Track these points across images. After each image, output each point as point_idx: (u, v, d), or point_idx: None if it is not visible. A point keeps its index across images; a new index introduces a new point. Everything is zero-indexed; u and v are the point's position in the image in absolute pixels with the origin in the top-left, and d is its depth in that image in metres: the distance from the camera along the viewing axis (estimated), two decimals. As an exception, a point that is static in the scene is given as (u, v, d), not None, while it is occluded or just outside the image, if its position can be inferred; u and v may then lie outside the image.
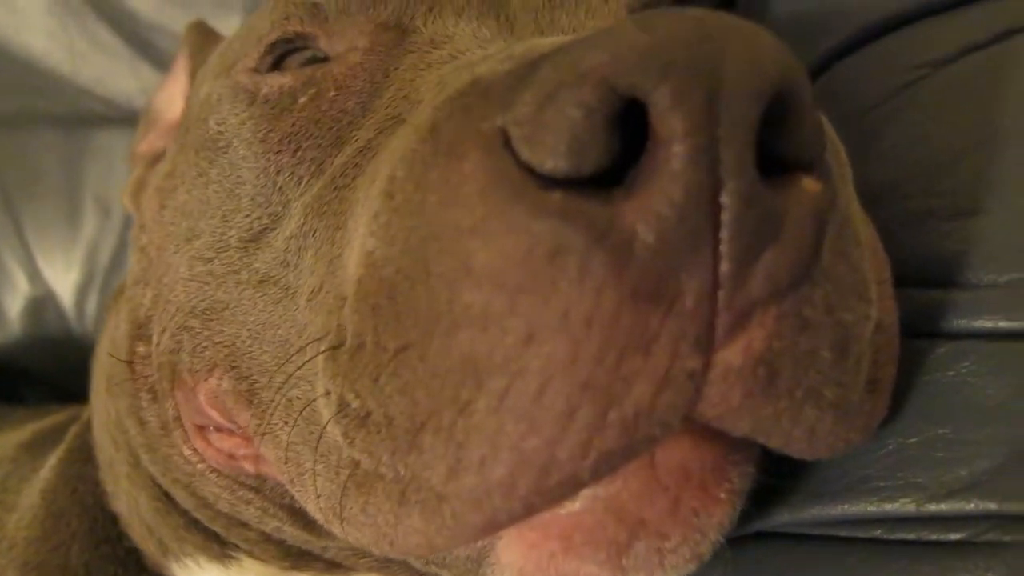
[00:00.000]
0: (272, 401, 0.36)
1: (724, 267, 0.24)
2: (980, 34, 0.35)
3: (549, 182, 0.25)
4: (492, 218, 0.25)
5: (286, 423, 0.35)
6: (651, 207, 0.23)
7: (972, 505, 0.29)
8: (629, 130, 0.24)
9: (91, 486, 0.53)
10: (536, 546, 0.29)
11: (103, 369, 0.51)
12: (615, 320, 0.24)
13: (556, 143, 0.24)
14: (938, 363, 0.32)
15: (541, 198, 0.24)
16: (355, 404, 0.30)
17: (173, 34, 0.68)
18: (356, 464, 0.30)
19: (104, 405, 0.50)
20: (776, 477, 0.33)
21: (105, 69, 0.74)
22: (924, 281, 0.33)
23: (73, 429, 0.57)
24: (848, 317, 0.27)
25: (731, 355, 0.25)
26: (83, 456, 0.54)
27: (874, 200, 0.35)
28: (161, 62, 0.70)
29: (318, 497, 0.33)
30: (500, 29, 0.40)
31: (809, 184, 0.26)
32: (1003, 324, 0.30)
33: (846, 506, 0.32)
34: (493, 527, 0.27)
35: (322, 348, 0.32)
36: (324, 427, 0.31)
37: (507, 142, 0.25)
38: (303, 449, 0.34)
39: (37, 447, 0.61)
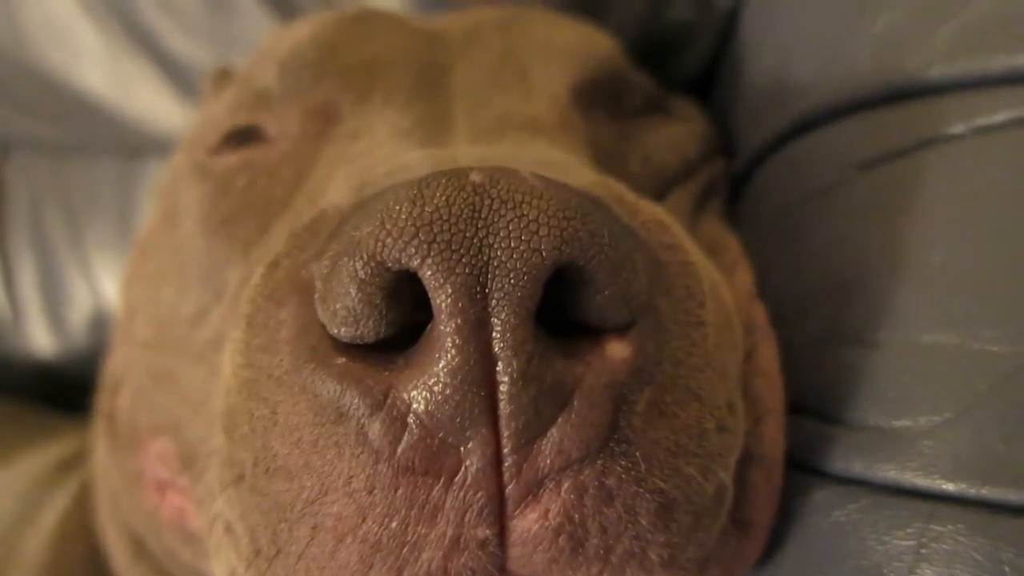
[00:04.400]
0: (201, 474, 0.37)
1: (505, 442, 0.23)
2: (904, 138, 0.32)
3: (340, 344, 0.25)
4: (293, 372, 0.25)
5: (206, 501, 0.36)
6: (422, 382, 0.23)
7: (830, 670, 0.28)
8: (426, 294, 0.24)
9: (96, 516, 0.56)
10: None
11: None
12: (394, 489, 0.24)
13: (336, 311, 0.24)
14: (818, 506, 0.30)
15: (329, 361, 0.24)
16: (225, 513, 0.31)
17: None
18: (233, 567, 0.31)
19: (97, 447, 0.53)
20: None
21: (152, 104, 0.78)
22: (817, 411, 0.31)
23: None
24: (668, 482, 0.25)
25: (527, 523, 0.24)
26: None
27: (784, 315, 0.33)
28: (199, 100, 0.73)
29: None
30: (430, 116, 0.39)
31: (614, 349, 0.24)
32: (881, 475, 0.28)
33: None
34: None
35: (214, 447, 0.33)
36: (216, 520, 0.33)
37: None
38: (212, 530, 0.35)
39: (70, 466, 0.66)
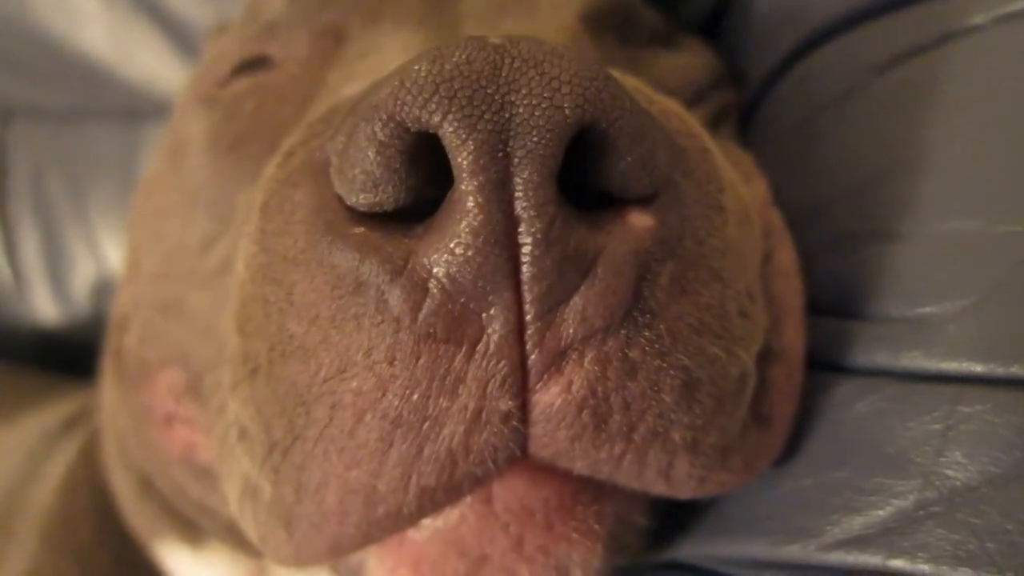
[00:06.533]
0: (210, 398, 0.37)
1: (527, 308, 0.23)
2: (919, 38, 0.31)
3: (357, 216, 0.24)
4: (309, 249, 0.25)
5: (216, 421, 0.36)
6: (443, 246, 0.23)
7: (857, 559, 0.27)
8: (444, 162, 0.23)
9: (103, 465, 0.56)
10: (393, 570, 0.29)
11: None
12: (415, 359, 0.23)
13: (355, 177, 0.23)
14: (841, 399, 0.29)
15: (346, 232, 0.24)
16: (239, 416, 0.31)
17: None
18: (247, 473, 0.31)
19: (104, 390, 0.53)
20: (681, 506, 0.32)
21: (154, 68, 0.78)
22: (838, 309, 0.31)
23: None
24: (692, 360, 0.25)
25: (549, 397, 0.24)
26: None
27: (801, 220, 0.33)
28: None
29: (232, 495, 0.34)
30: (439, 36, 0.39)
31: (637, 219, 0.24)
32: (907, 363, 0.28)
33: (738, 546, 0.30)
34: (338, 550, 0.28)
35: (226, 357, 0.33)
36: (229, 431, 0.32)
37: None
38: (223, 447, 0.35)
39: (76, 422, 0.66)
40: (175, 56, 0.78)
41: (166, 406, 0.43)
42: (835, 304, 0.31)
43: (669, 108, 0.29)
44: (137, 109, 0.81)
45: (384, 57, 0.38)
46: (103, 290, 0.85)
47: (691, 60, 0.45)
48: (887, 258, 0.29)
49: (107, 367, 0.51)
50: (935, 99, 0.30)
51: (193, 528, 0.48)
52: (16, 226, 0.85)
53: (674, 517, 0.32)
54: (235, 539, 0.46)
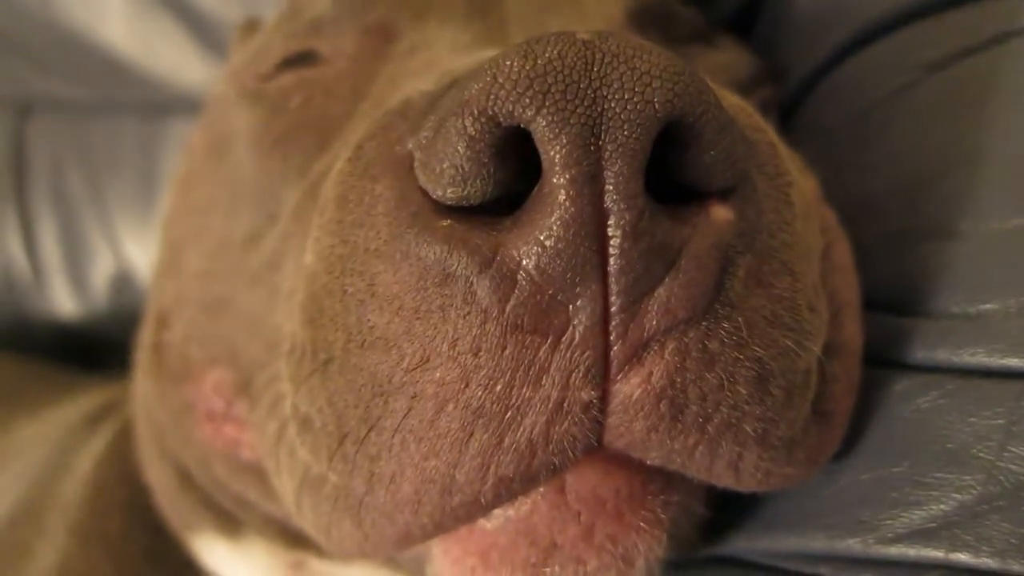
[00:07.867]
0: (261, 395, 0.37)
1: (613, 300, 0.23)
2: (975, 36, 0.32)
3: (443, 208, 0.24)
4: (393, 241, 0.25)
5: (268, 417, 0.36)
6: (533, 238, 0.23)
7: (919, 552, 0.28)
8: (529, 157, 0.24)
9: (135, 459, 0.56)
10: (459, 560, 0.29)
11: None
12: (501, 349, 0.24)
13: (443, 171, 0.24)
14: (900, 395, 0.30)
15: (433, 224, 0.24)
16: (302, 408, 0.31)
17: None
18: (308, 465, 0.31)
19: (139, 384, 0.53)
20: (735, 501, 0.32)
21: (177, 62, 0.78)
22: (895, 306, 0.31)
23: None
24: (767, 352, 0.25)
25: (629, 388, 0.24)
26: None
27: (855, 216, 0.33)
28: (226, 56, 0.73)
29: (287, 489, 0.34)
30: (486, 34, 0.39)
31: (718, 212, 0.24)
32: (968, 359, 0.28)
33: (795, 540, 0.31)
34: (408, 540, 0.28)
35: (284, 351, 0.33)
36: (285, 425, 0.33)
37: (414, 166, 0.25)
38: (278, 443, 0.35)
39: (101, 417, 0.66)
40: (198, 51, 0.78)
41: (212, 404, 0.43)
42: (893, 301, 0.31)
43: (737, 103, 0.30)
44: (158, 103, 0.81)
45: (434, 54, 0.38)
46: (122, 284, 0.85)
47: (732, 57, 0.46)
48: (946, 255, 0.30)
49: (143, 361, 0.51)
50: (992, 97, 0.31)
51: (232, 521, 0.48)
52: (35, 220, 0.85)
53: (727, 511, 0.33)
54: (274, 532, 0.47)
